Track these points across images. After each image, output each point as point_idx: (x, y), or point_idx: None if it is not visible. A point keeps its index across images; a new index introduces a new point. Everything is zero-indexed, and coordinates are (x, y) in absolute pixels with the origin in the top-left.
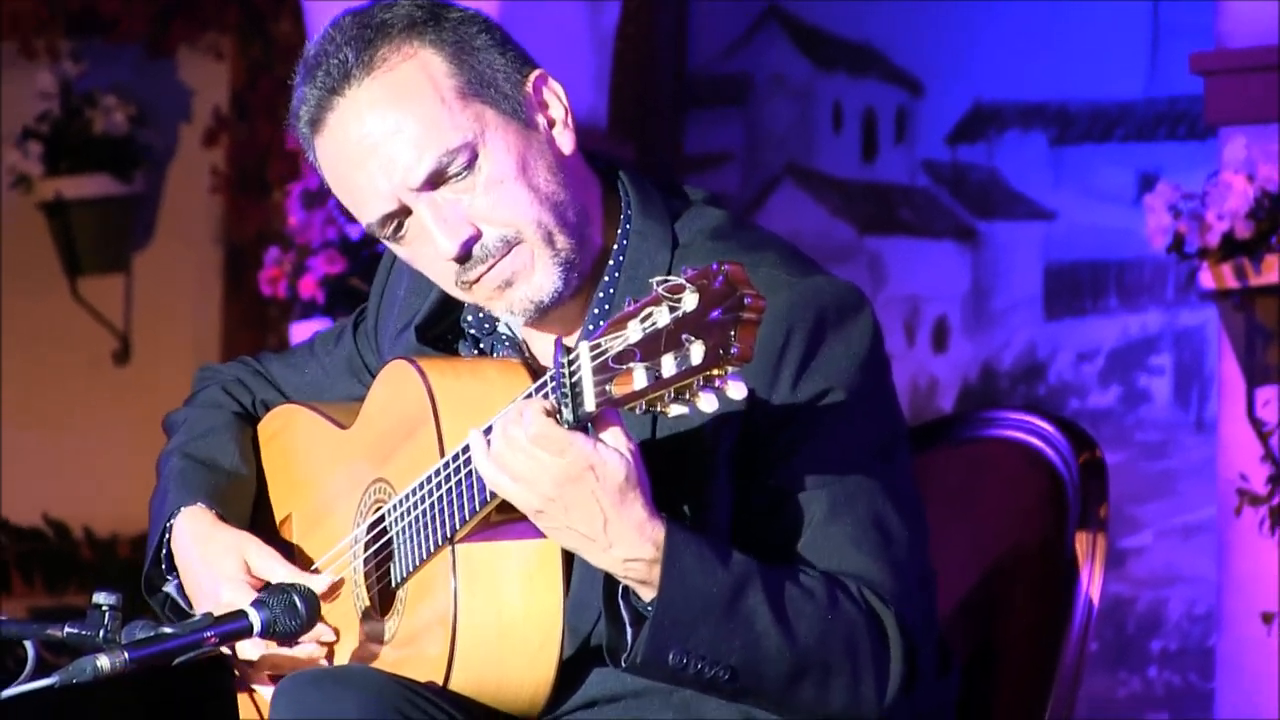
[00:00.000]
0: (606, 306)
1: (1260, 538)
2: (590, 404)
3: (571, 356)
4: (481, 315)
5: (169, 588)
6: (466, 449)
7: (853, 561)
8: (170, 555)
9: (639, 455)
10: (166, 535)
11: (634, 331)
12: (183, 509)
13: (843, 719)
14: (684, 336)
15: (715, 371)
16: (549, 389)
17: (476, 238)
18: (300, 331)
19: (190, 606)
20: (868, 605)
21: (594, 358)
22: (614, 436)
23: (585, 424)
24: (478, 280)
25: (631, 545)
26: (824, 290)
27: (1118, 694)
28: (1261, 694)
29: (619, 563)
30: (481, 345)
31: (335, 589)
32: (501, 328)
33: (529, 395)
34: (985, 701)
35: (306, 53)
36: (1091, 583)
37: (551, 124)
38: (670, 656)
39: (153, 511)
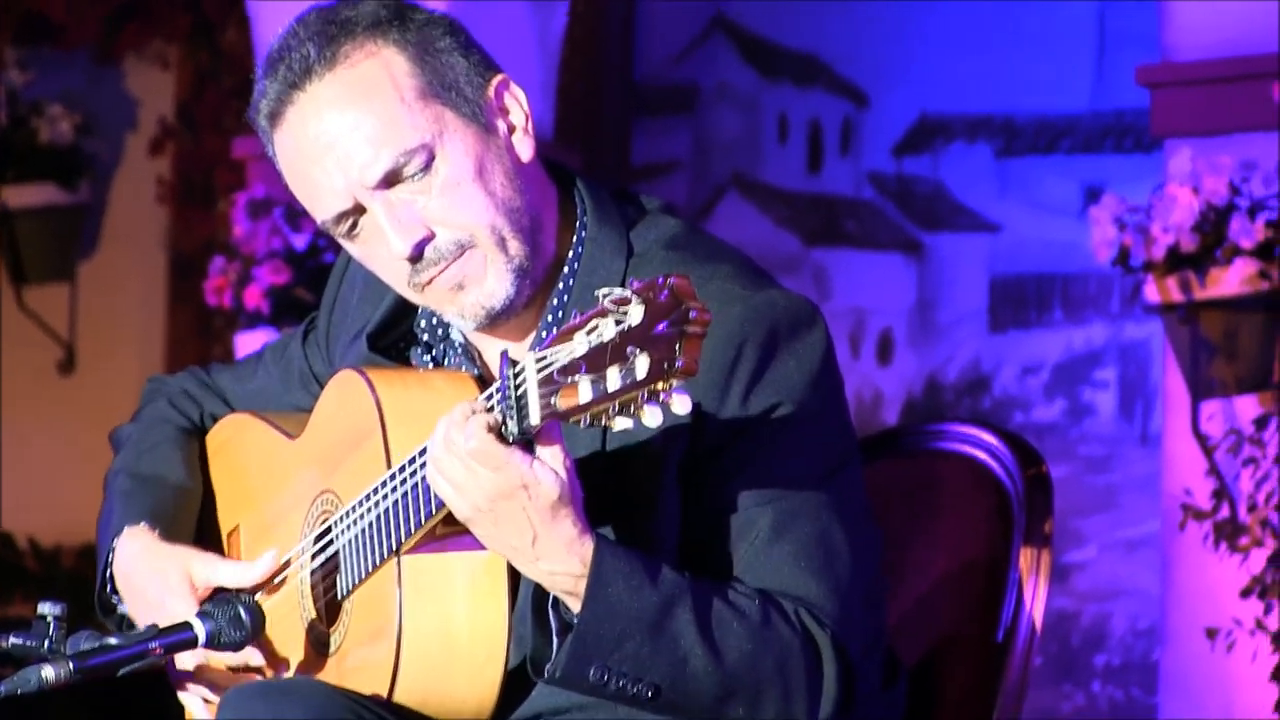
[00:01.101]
0: (560, 314)
1: (1204, 552)
2: (535, 417)
3: (517, 369)
4: (435, 321)
5: (123, 608)
6: (414, 460)
7: (794, 582)
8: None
9: (574, 473)
10: (111, 556)
11: (580, 344)
12: (126, 529)
13: None
14: (629, 349)
15: (660, 385)
16: (495, 401)
17: (429, 239)
18: (245, 341)
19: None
20: (803, 627)
21: (539, 370)
22: (552, 454)
23: (529, 436)
24: (429, 282)
25: (558, 560)
26: (777, 304)
27: (1062, 708)
28: (1205, 709)
29: (546, 574)
30: (434, 351)
31: (273, 583)
32: (454, 334)
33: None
34: (930, 714)
35: (270, 47)
36: (1036, 597)
37: (511, 130)
38: (591, 672)
39: (99, 532)
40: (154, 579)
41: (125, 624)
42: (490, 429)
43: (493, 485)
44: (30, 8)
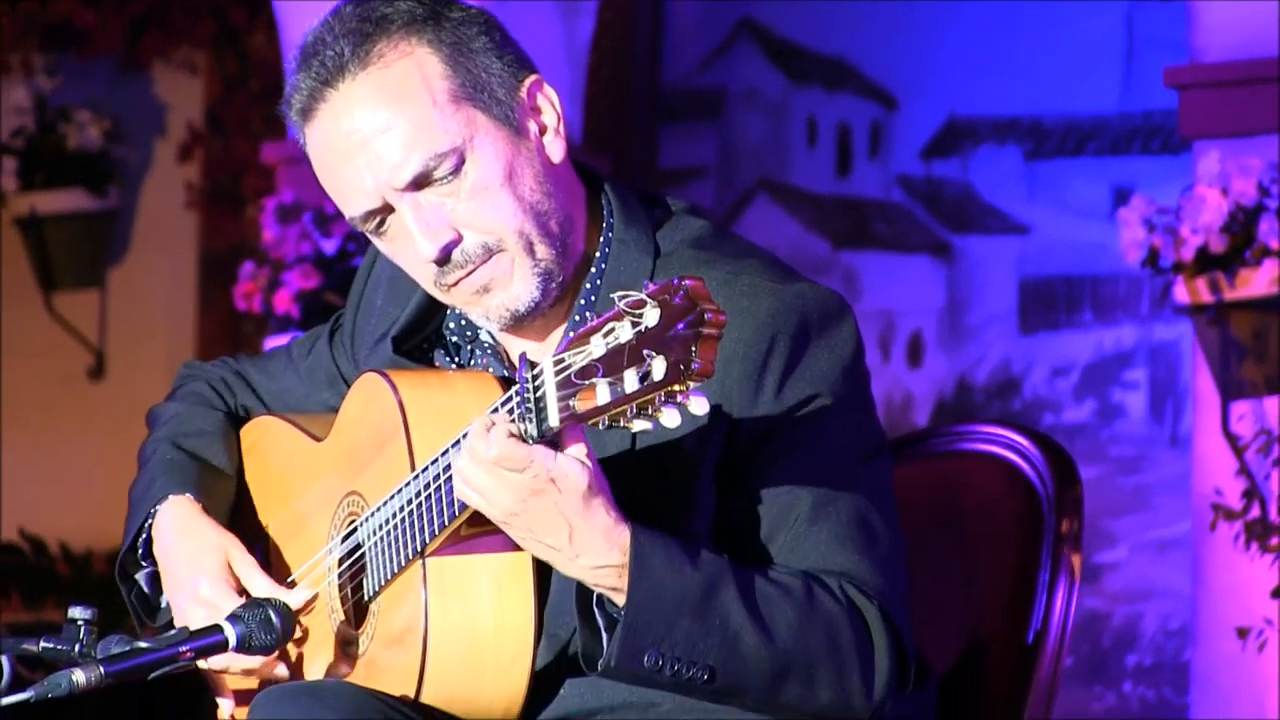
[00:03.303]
0: (586, 315)
1: (1235, 552)
2: (554, 419)
3: (535, 372)
4: (464, 321)
5: (140, 576)
6: (436, 461)
7: (836, 559)
8: (149, 542)
9: (599, 466)
10: (149, 520)
11: (597, 346)
12: (171, 497)
13: (833, 717)
14: (645, 352)
15: (677, 387)
16: (514, 404)
17: (457, 242)
18: (275, 346)
19: (157, 598)
20: (849, 600)
21: (558, 373)
22: (576, 447)
23: (549, 438)
24: (455, 284)
25: (598, 553)
26: (807, 297)
27: (1092, 709)
28: (1236, 708)
29: (588, 570)
30: (462, 352)
31: (310, 603)
32: (483, 335)
33: (495, 410)
34: (961, 715)
35: (304, 38)
36: (1066, 597)
37: (543, 130)
38: (645, 659)
39: (134, 497)
40: (191, 559)
41: (135, 591)
42: (512, 435)
43: (522, 485)
44: (57, 14)
